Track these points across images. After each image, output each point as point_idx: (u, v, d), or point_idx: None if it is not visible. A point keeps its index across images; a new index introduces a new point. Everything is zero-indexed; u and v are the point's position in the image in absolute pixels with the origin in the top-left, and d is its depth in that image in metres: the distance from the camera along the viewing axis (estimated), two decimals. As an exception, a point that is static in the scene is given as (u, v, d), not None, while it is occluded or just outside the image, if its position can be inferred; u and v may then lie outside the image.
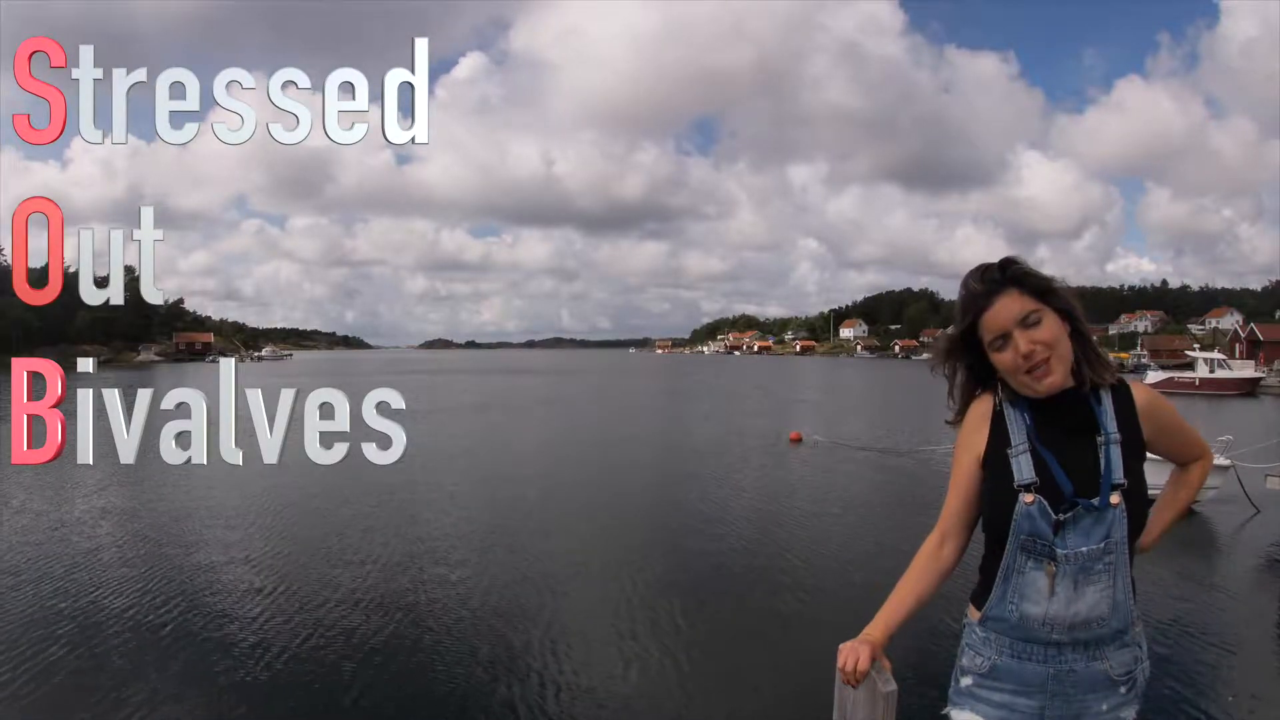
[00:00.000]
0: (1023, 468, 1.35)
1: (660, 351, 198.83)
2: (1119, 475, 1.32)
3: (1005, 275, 1.35)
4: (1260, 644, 5.64)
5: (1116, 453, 1.33)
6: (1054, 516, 1.32)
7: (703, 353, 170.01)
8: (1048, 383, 1.33)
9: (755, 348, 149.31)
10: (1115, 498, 1.31)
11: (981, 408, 1.45)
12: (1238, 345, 56.28)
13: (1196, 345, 53.73)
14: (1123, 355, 69.55)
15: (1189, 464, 1.55)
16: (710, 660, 5.04)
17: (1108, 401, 1.36)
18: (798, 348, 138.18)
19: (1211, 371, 36.28)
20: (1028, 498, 1.33)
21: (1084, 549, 1.30)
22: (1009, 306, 1.32)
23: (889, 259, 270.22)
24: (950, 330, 1.44)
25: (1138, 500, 1.33)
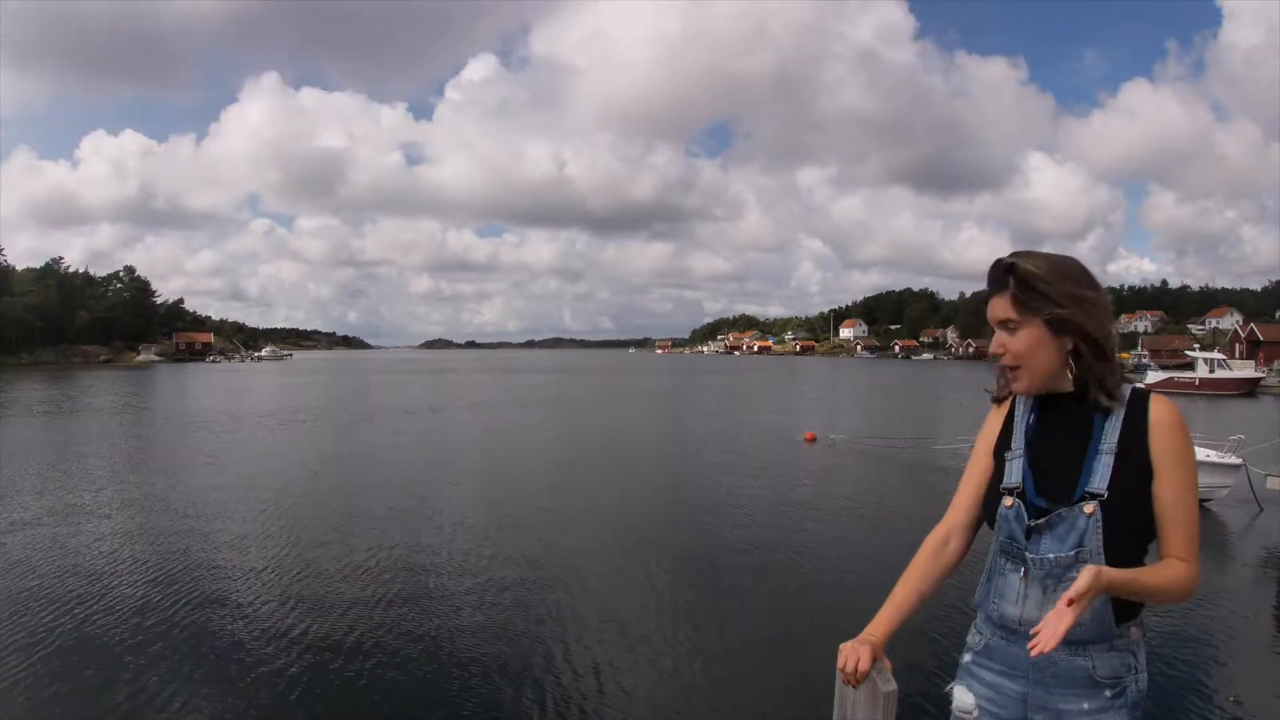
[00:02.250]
0: (1013, 471, 1.38)
1: (660, 351, 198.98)
2: (1097, 484, 1.28)
3: (1003, 277, 1.36)
4: (1260, 643, 5.63)
5: (1104, 463, 1.29)
6: (1027, 521, 1.33)
7: (702, 352, 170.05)
8: (1014, 387, 1.38)
9: (755, 348, 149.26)
10: (1090, 507, 1.28)
11: (1003, 405, 1.47)
12: (1238, 345, 56.25)
13: (1196, 345, 53.70)
14: (1123, 355, 69.12)
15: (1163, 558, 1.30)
16: (714, 658, 5.04)
17: (1117, 412, 1.32)
18: (797, 348, 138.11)
19: (1211, 371, 36.23)
20: (1008, 501, 1.36)
21: (1052, 555, 1.30)
22: (996, 308, 1.36)
23: (894, 260, 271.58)
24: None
25: (1122, 513, 1.27)
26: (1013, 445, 1.39)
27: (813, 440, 16.29)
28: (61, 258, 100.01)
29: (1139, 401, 1.32)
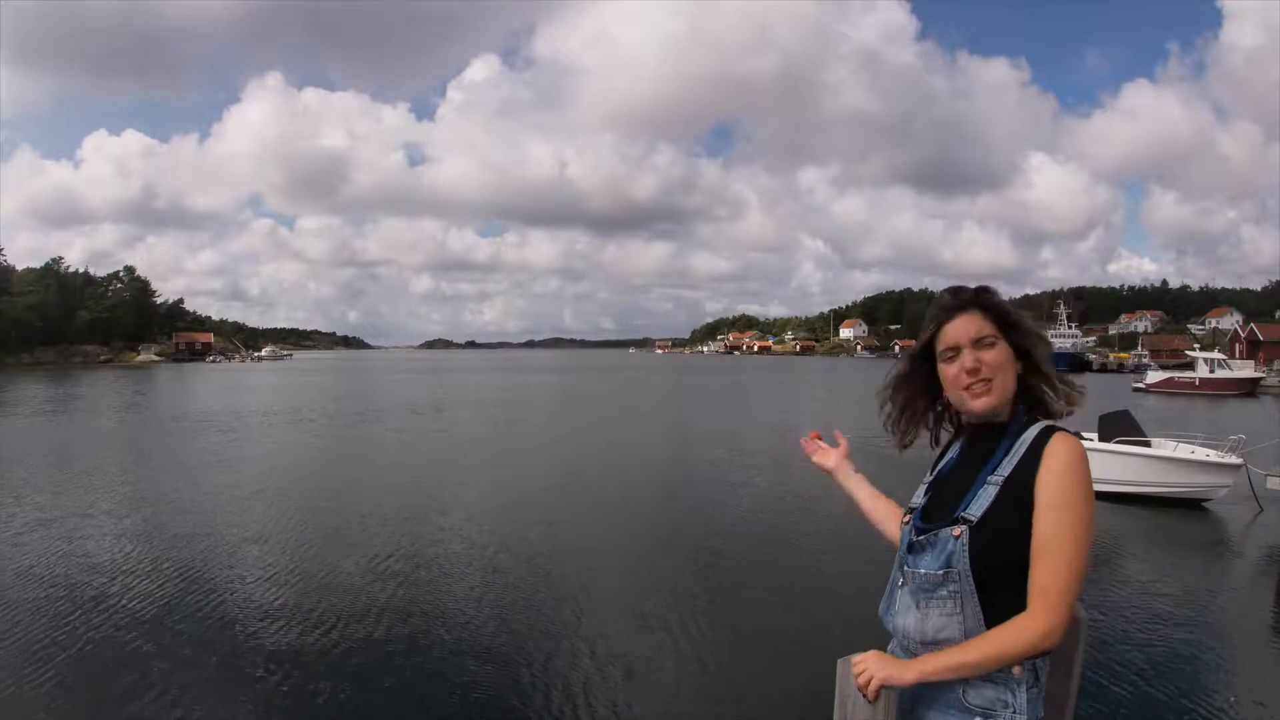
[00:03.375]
0: (918, 494, 1.48)
1: (660, 351, 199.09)
2: (971, 510, 1.32)
3: (976, 298, 1.43)
4: (1259, 643, 5.64)
5: (987, 492, 1.32)
6: (910, 538, 1.41)
7: (702, 352, 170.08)
8: (982, 403, 1.38)
9: (755, 348, 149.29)
10: (957, 530, 1.31)
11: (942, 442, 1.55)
12: (1238, 345, 56.24)
13: (1196, 345, 53.70)
14: (1123, 355, 69.44)
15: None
16: (717, 656, 5.06)
17: (1023, 443, 1.34)
18: (797, 348, 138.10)
19: (1211, 371, 36.25)
20: (905, 518, 1.46)
21: (922, 571, 1.36)
22: (968, 324, 1.40)
23: (895, 260, 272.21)
24: (914, 344, 1.51)
25: (992, 541, 1.29)
26: (931, 471, 1.50)
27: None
28: (61, 258, 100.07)
29: (1043, 437, 1.33)
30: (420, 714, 4.32)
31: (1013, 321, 1.40)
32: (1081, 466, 1.29)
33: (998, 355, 1.38)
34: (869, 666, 1.31)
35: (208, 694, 4.48)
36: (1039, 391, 1.42)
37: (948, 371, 1.42)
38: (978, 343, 1.38)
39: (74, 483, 11.31)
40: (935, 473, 1.49)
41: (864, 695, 1.31)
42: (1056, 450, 1.30)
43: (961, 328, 1.40)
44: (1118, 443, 10.28)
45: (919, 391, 1.51)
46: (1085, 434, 10.93)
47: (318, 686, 4.58)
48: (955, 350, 1.40)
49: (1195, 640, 5.43)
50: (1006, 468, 1.33)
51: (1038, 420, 1.37)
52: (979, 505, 1.32)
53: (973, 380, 1.38)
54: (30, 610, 5.81)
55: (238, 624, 5.55)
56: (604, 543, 8.13)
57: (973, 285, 1.46)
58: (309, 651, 5.07)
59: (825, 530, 8.72)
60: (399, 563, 7.14)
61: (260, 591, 6.30)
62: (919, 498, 1.46)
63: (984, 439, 1.41)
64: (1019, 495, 1.30)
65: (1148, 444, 10.31)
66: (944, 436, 1.53)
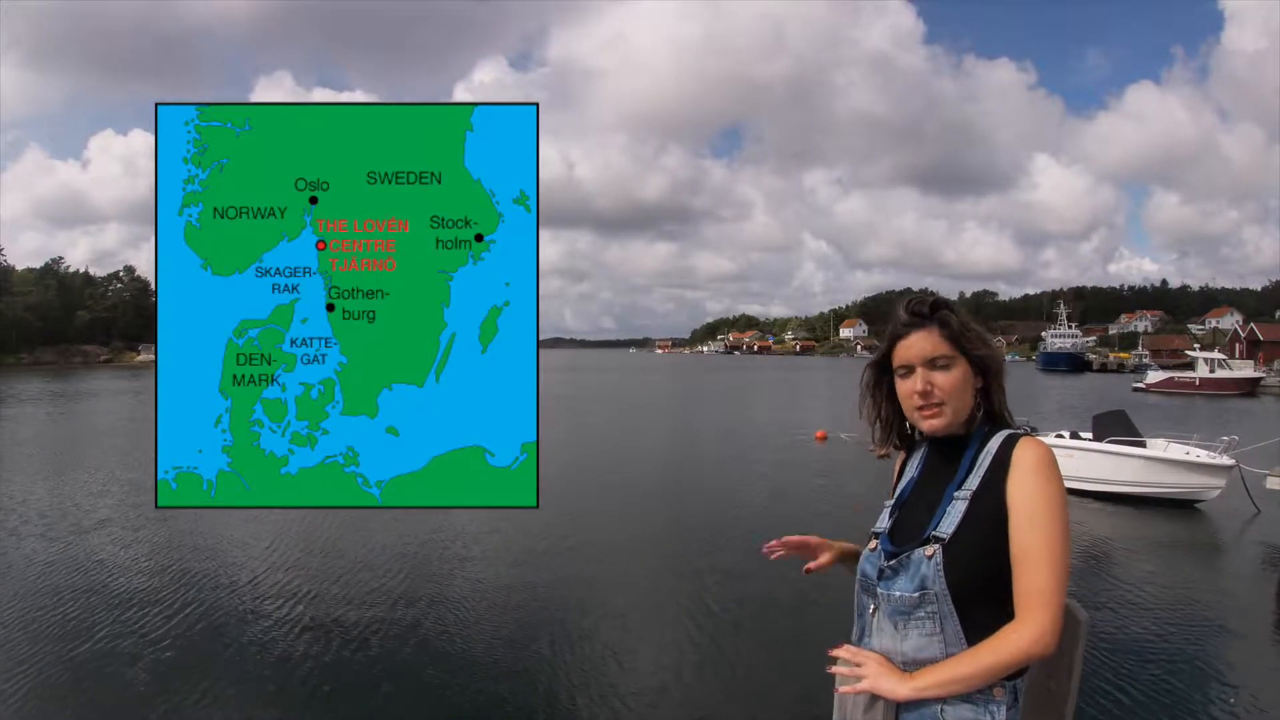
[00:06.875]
0: (882, 518, 1.43)
1: (660, 351, 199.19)
2: (942, 528, 1.29)
3: (932, 313, 1.38)
4: (1259, 643, 5.64)
5: (956, 507, 1.30)
6: (880, 563, 1.35)
7: (703, 352, 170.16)
8: (931, 425, 1.36)
9: (755, 347, 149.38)
10: (930, 549, 1.28)
11: (901, 454, 1.51)
12: (1238, 345, 56.24)
13: (1197, 345, 53.67)
14: (1123, 355, 69.46)
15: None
16: (719, 656, 5.06)
17: (988, 454, 1.32)
18: (797, 348, 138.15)
19: (1212, 371, 36.28)
20: (871, 544, 1.41)
21: (897, 593, 1.31)
22: (922, 342, 1.36)
23: (898, 260, 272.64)
24: (872, 357, 1.49)
25: (967, 557, 1.26)
26: (894, 493, 1.45)
27: (824, 439, 16.26)
28: (61, 258, 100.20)
29: (1008, 445, 1.31)
30: (421, 708, 4.33)
31: (969, 338, 1.36)
32: (1052, 469, 1.27)
33: (952, 378, 1.34)
34: (868, 670, 1.29)
35: (239, 696, 4.48)
36: (999, 405, 1.39)
37: (901, 389, 1.40)
38: (931, 363, 1.35)
39: (81, 481, 11.31)
40: (897, 493, 1.45)
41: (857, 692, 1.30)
42: (1024, 456, 1.28)
43: (915, 346, 1.37)
44: (1110, 442, 10.27)
45: (885, 401, 1.48)
46: (1083, 434, 10.98)
47: (312, 690, 4.58)
48: (908, 368, 1.38)
49: (1195, 640, 5.43)
50: (973, 481, 1.30)
51: (999, 430, 1.34)
52: (949, 522, 1.29)
53: (923, 403, 1.35)
54: (42, 610, 5.81)
55: (237, 630, 5.55)
56: (607, 541, 8.12)
57: (930, 299, 1.41)
58: (303, 653, 5.06)
59: (831, 529, 8.71)
60: (402, 565, 7.14)
61: (267, 592, 6.31)
62: (883, 521, 1.42)
63: (945, 454, 1.38)
64: (989, 507, 1.27)
65: (1143, 444, 10.29)
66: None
